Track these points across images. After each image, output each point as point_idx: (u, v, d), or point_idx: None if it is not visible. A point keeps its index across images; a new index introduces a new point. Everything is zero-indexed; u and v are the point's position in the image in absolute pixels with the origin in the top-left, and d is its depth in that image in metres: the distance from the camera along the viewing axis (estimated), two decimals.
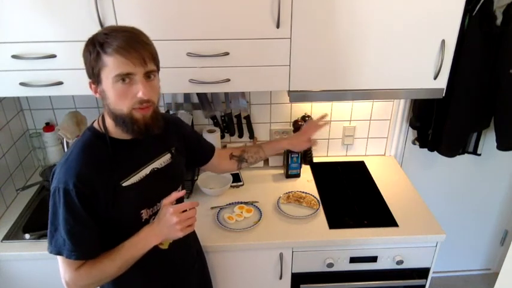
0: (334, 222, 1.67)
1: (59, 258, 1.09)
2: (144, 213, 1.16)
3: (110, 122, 1.10)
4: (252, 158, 1.56)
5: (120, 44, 0.98)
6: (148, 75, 1.04)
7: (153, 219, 1.18)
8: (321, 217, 1.71)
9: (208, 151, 1.49)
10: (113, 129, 1.10)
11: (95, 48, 0.99)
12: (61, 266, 1.10)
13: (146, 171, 1.17)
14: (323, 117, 1.64)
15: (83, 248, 1.08)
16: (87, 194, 1.04)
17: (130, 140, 1.12)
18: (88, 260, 1.10)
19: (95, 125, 1.14)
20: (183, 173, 1.35)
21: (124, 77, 1.00)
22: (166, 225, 1.09)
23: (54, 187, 1.05)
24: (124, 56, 0.98)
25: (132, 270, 1.13)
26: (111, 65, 0.99)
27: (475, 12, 1.66)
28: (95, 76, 1.03)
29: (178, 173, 1.31)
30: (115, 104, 1.03)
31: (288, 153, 1.91)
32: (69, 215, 1.04)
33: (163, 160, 1.23)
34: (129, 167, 1.14)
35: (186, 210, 1.09)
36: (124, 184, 1.11)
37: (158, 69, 1.09)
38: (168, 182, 1.25)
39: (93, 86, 1.06)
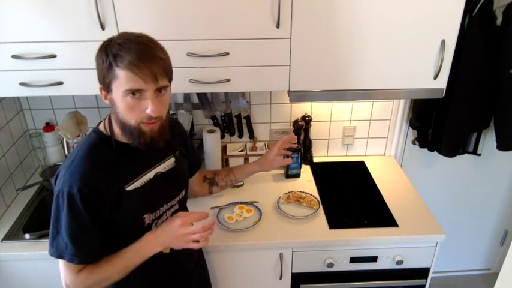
0: (334, 222, 1.67)
1: (60, 261, 1.09)
2: (147, 218, 1.15)
3: (115, 125, 1.09)
4: (222, 181, 1.52)
5: (132, 60, 0.96)
6: (160, 90, 1.03)
7: (156, 223, 1.18)
8: (321, 217, 1.70)
9: (196, 165, 1.47)
10: (119, 133, 1.09)
11: (108, 58, 0.98)
12: (62, 269, 1.10)
13: (150, 175, 1.17)
14: (290, 140, 1.58)
15: (85, 252, 1.08)
16: (92, 198, 1.04)
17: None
18: (89, 264, 1.10)
19: (101, 127, 1.13)
20: (186, 177, 1.35)
21: (134, 92, 0.99)
22: (171, 235, 1.10)
23: (58, 190, 1.04)
24: (135, 73, 0.97)
25: (133, 273, 1.13)
26: (122, 78, 0.98)
27: (475, 12, 1.66)
28: (105, 84, 1.02)
29: (182, 177, 1.31)
30: (123, 115, 1.03)
31: None
32: (72, 219, 1.04)
33: (168, 164, 1.23)
34: (134, 171, 1.13)
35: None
36: (128, 188, 1.10)
37: (171, 81, 1.07)
38: (172, 186, 1.24)
39: (103, 92, 1.05)
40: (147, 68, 0.98)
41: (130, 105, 1.01)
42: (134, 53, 0.97)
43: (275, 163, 1.56)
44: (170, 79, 1.07)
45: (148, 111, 1.01)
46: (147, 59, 0.98)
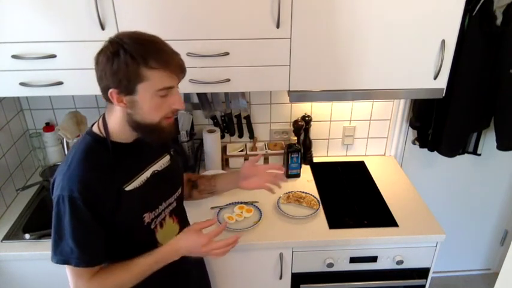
0: (334, 222, 1.67)
1: (69, 270, 1.08)
2: (147, 217, 1.15)
3: (115, 126, 1.08)
4: (203, 185, 1.44)
5: (166, 58, 0.99)
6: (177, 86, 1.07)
7: (155, 222, 1.18)
8: (321, 217, 1.70)
9: (186, 167, 1.47)
10: (116, 133, 1.09)
11: (135, 60, 0.96)
12: (72, 278, 1.08)
13: (147, 174, 1.17)
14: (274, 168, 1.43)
15: (91, 254, 1.07)
16: (93, 200, 1.03)
17: (131, 143, 1.12)
18: (101, 270, 1.09)
19: (95, 129, 1.11)
20: (182, 175, 1.35)
21: (167, 92, 1.02)
22: (193, 251, 1.16)
23: (58, 195, 1.03)
24: (170, 69, 0.99)
25: None
26: (155, 78, 0.98)
27: (475, 12, 1.66)
28: (127, 87, 0.99)
29: (178, 175, 1.31)
30: (148, 114, 1.03)
31: (288, 153, 1.91)
32: (76, 222, 1.03)
33: (163, 162, 1.23)
34: (131, 171, 1.13)
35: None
36: (127, 188, 1.10)
37: None
38: (169, 185, 1.25)
39: (116, 95, 1.01)
40: (178, 64, 1.02)
41: (159, 104, 1.02)
42: (162, 52, 0.99)
43: (253, 185, 1.38)
44: None
45: (178, 106, 1.05)
46: (173, 56, 1.02)
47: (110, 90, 1.01)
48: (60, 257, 1.06)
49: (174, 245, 1.15)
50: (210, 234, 1.16)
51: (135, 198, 1.11)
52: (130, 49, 0.97)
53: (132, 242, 1.14)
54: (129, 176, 1.12)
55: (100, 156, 1.08)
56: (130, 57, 0.96)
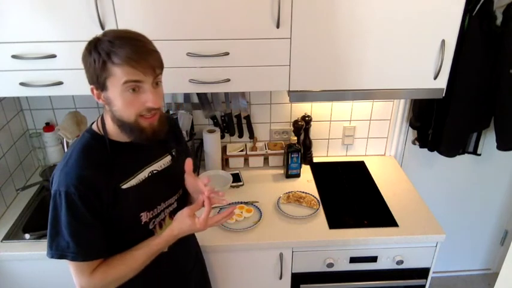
0: (334, 222, 1.67)
1: (71, 267, 1.08)
2: (144, 216, 1.15)
3: (110, 125, 1.09)
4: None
5: (128, 54, 0.97)
6: (156, 82, 1.04)
7: (153, 222, 1.18)
8: (321, 217, 1.71)
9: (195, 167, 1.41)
10: (113, 132, 1.10)
11: (101, 57, 0.97)
12: (75, 273, 1.09)
13: (145, 174, 1.16)
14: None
15: (89, 248, 1.07)
16: (89, 196, 1.04)
17: (129, 143, 1.12)
18: (101, 264, 1.10)
19: (94, 127, 1.13)
20: (183, 176, 1.34)
21: (133, 85, 1.00)
22: (189, 232, 1.17)
23: (55, 190, 1.04)
24: (133, 66, 0.97)
25: None
26: (119, 74, 0.98)
27: (475, 12, 1.66)
28: (99, 83, 1.01)
29: (179, 176, 1.30)
30: (122, 111, 1.03)
31: (288, 153, 1.91)
32: (72, 217, 1.03)
33: (163, 162, 1.23)
34: (128, 169, 1.13)
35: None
36: (123, 187, 1.10)
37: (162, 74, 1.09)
38: (168, 185, 1.24)
39: (95, 91, 1.04)
40: (145, 60, 0.99)
41: (129, 100, 1.01)
42: (129, 48, 0.97)
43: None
44: (162, 72, 1.08)
45: (149, 104, 1.02)
46: (143, 53, 0.99)
47: (91, 87, 1.04)
48: (56, 251, 1.06)
49: (170, 233, 1.15)
50: (205, 217, 1.14)
51: (131, 197, 1.11)
52: (101, 46, 0.98)
53: (130, 241, 1.14)
54: (126, 175, 1.12)
55: (98, 153, 1.09)
56: (97, 54, 0.98)
